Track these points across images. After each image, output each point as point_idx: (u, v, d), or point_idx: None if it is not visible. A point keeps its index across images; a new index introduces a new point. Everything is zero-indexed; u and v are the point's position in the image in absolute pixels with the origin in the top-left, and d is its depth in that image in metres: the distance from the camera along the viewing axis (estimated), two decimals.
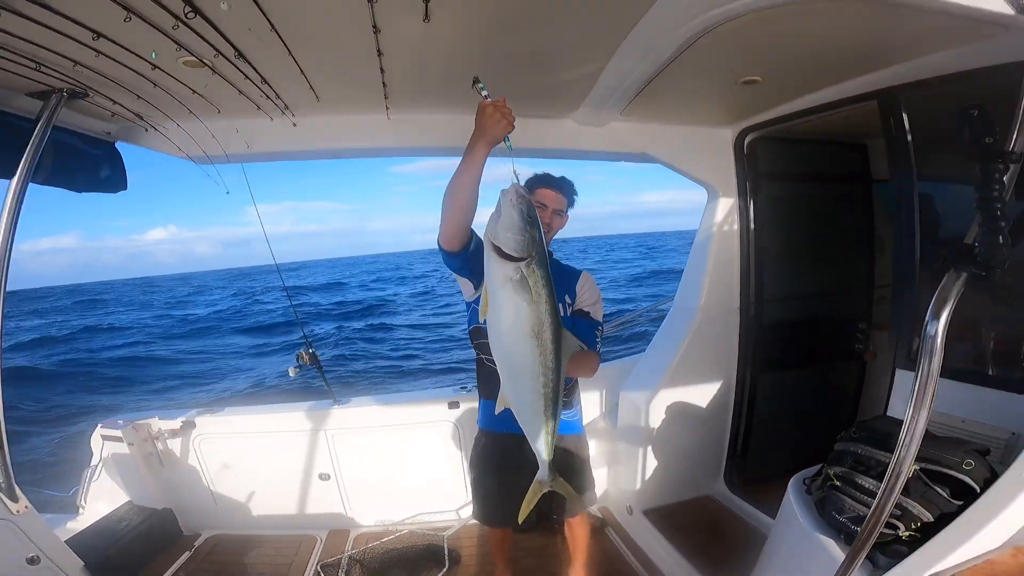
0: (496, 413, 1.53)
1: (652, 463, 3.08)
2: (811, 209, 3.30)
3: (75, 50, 1.60)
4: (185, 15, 1.42)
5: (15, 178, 1.88)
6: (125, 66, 1.72)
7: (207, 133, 2.33)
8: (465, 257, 1.78)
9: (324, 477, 3.25)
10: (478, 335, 2.06)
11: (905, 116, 2.09)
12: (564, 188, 2.07)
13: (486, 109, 1.50)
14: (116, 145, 2.47)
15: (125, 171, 2.48)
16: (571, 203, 2.10)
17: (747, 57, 2.03)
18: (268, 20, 1.51)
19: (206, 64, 1.76)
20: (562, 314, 1.82)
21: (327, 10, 1.52)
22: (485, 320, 1.60)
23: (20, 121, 1.94)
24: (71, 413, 10.88)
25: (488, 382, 2.08)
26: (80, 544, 2.70)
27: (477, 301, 1.98)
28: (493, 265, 1.36)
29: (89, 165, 2.34)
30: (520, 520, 1.72)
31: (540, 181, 2.05)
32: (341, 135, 2.50)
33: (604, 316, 2.16)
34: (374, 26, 1.59)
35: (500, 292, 1.36)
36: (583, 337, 1.61)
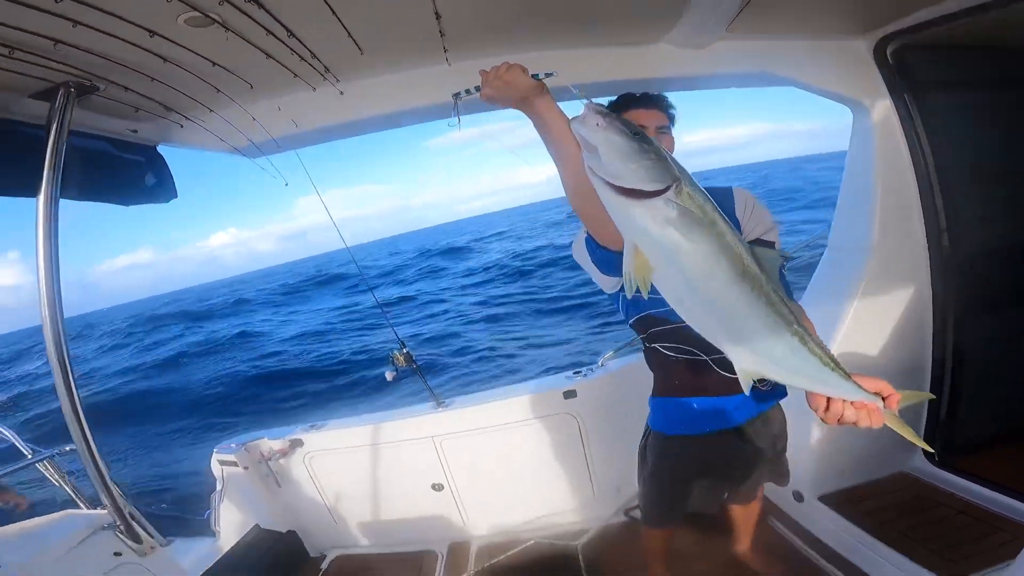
0: (747, 393, 1.05)
1: (823, 439, 2.49)
2: (1001, 119, 2.49)
3: (53, 26, 1.26)
4: None
5: (41, 195, 1.62)
6: (118, 38, 1.37)
7: (247, 118, 1.99)
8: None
9: (437, 487, 2.96)
10: (649, 323, 1.65)
11: None
12: (657, 102, 1.61)
13: (486, 92, 1.25)
14: (159, 150, 2.20)
15: (172, 178, 2.21)
16: (672, 119, 1.63)
17: None
18: None
19: (212, 18, 1.37)
20: None
21: None
22: (647, 298, 1.20)
23: (36, 131, 1.66)
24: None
25: (677, 375, 1.68)
26: None
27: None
28: (635, 214, 0.90)
29: (129, 174, 2.08)
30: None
31: (624, 103, 1.61)
32: (396, 96, 2.08)
33: None
34: None
35: (668, 244, 0.90)
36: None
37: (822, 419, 1.11)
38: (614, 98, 1.65)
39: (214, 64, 1.65)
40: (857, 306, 2.42)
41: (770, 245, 1.54)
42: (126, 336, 31.68)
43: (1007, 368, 2.55)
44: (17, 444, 3.06)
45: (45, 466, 2.90)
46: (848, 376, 1.05)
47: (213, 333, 23.21)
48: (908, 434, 1.12)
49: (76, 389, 1.61)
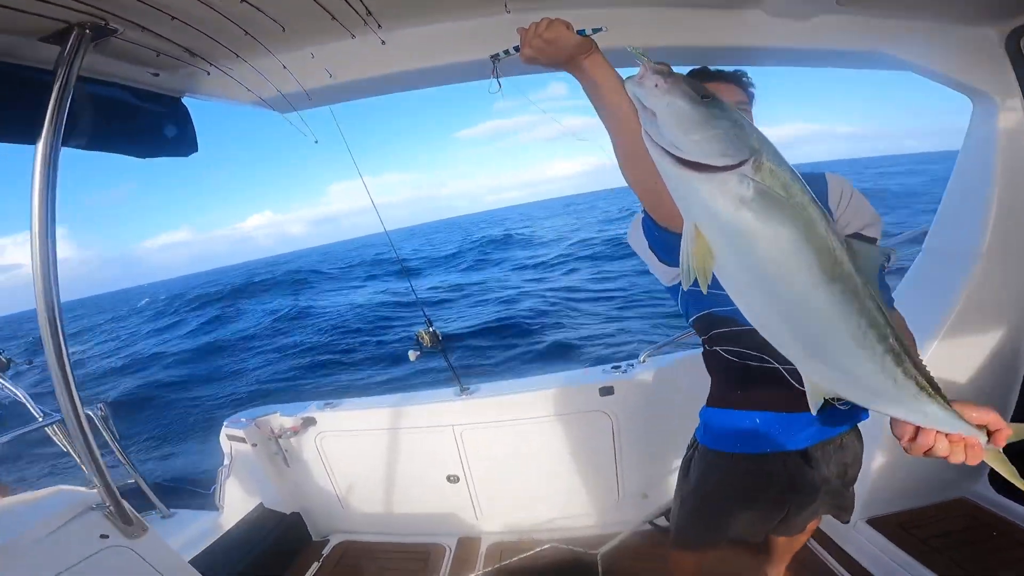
0: (815, 412, 0.89)
1: (880, 457, 2.29)
2: None
3: None
4: None
5: (40, 141, 1.45)
6: None
7: (277, 66, 1.82)
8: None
9: (453, 479, 2.81)
10: (713, 323, 1.43)
11: None
12: (735, 78, 1.42)
13: (526, 53, 1.13)
14: (184, 102, 2.04)
15: (195, 131, 2.06)
16: (751, 97, 1.44)
17: None
18: None
19: None
20: None
21: None
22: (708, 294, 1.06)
23: (47, 76, 1.50)
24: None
25: (739, 384, 1.46)
26: (212, 559, 2.57)
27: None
28: (699, 191, 0.73)
29: (149, 124, 1.92)
30: None
31: (700, 77, 1.42)
32: (445, 48, 1.85)
33: None
34: None
35: (739, 230, 0.73)
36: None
37: (905, 449, 0.96)
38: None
39: (242, 0, 1.48)
40: (955, 317, 2.18)
41: (871, 242, 1.34)
42: (193, 309, 31.33)
43: None
44: (28, 406, 2.98)
45: (54, 430, 2.87)
46: (948, 405, 0.87)
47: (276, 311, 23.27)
48: (1010, 475, 0.93)
49: (66, 351, 1.46)
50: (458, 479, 2.80)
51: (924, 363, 0.89)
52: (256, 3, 1.50)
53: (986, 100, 2.13)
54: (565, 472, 2.75)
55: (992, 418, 0.91)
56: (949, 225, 2.34)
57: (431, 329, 2.65)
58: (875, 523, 2.31)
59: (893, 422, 0.96)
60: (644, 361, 2.67)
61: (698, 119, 0.71)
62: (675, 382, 2.52)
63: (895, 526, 2.28)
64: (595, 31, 1.10)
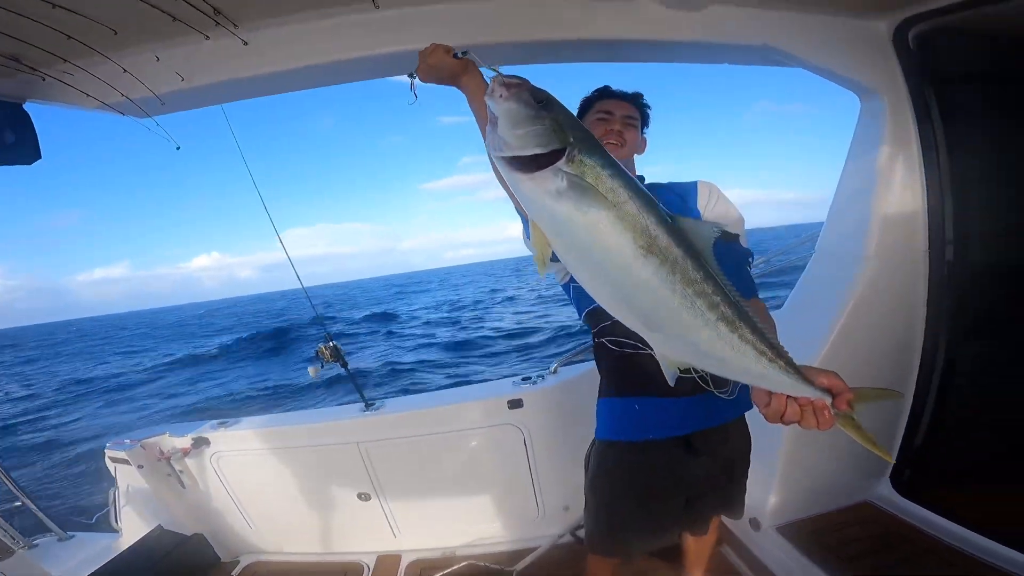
0: (672, 384, 0.96)
1: (786, 461, 2.29)
2: None
3: None
4: None
5: None
6: None
7: (117, 71, 1.61)
8: None
9: (364, 497, 2.68)
10: (599, 317, 1.50)
11: None
12: (630, 97, 1.56)
13: (420, 75, 1.36)
14: (25, 107, 1.83)
15: (36, 137, 1.86)
16: (645, 120, 1.59)
17: None
18: None
19: None
20: None
21: None
22: (566, 283, 1.55)
23: None
24: None
25: (620, 372, 1.52)
26: None
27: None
28: (525, 189, 0.84)
29: None
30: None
31: (596, 95, 1.57)
32: (314, 47, 1.70)
33: None
34: None
35: (558, 219, 0.83)
36: (736, 278, 1.03)
37: (764, 416, 0.99)
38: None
39: (54, 6, 1.28)
40: (844, 321, 2.17)
41: (733, 238, 1.45)
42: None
43: (997, 399, 2.33)
44: None
45: None
46: (792, 369, 0.91)
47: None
48: (864, 440, 0.97)
49: None
50: (369, 497, 2.67)
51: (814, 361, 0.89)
52: (71, 7, 1.31)
53: (873, 98, 2.11)
54: (481, 487, 2.66)
55: (835, 382, 0.94)
56: (837, 227, 2.34)
57: (331, 343, 2.51)
58: (784, 531, 2.30)
59: (752, 391, 1.00)
60: (555, 372, 2.60)
61: (524, 117, 0.81)
62: (589, 391, 2.42)
63: (803, 534, 2.28)
64: (463, 53, 1.28)
